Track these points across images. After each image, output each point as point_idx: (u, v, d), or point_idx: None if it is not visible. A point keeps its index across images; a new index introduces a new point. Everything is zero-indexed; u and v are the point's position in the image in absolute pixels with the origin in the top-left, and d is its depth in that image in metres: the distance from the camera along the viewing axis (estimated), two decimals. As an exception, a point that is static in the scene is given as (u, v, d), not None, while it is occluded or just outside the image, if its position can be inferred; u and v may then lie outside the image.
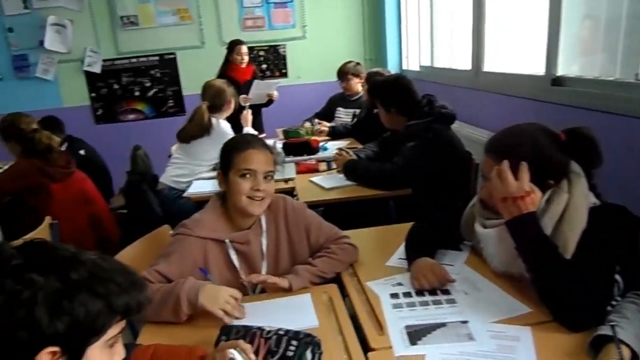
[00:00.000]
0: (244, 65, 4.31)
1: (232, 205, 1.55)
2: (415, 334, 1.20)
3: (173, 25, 4.81)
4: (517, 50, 2.98)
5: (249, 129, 3.45)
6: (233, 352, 0.99)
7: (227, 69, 4.26)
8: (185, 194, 2.74)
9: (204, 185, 2.82)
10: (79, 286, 0.75)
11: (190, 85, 4.98)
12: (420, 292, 1.40)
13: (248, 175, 1.51)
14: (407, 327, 1.24)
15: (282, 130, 3.89)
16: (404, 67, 4.85)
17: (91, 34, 4.74)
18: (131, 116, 5.06)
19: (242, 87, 4.06)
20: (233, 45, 4.28)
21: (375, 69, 3.91)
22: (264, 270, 1.58)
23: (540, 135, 1.32)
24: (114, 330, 0.81)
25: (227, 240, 1.54)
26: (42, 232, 2.26)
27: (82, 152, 3.73)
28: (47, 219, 2.36)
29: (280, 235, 1.63)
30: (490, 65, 3.18)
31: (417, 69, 4.58)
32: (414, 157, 2.37)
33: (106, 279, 0.78)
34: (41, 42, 4.66)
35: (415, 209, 2.36)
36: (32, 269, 0.73)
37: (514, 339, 1.16)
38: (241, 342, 1.05)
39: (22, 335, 0.70)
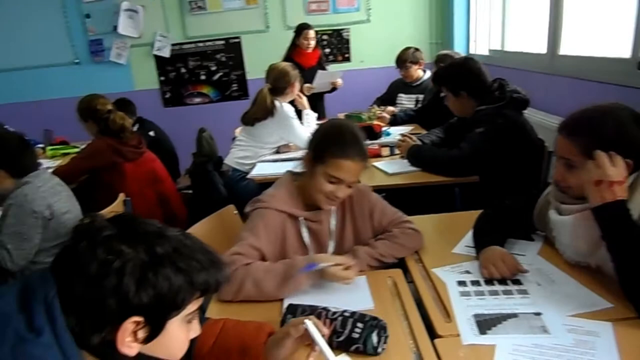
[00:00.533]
0: (310, 50, 4.26)
1: (307, 190, 1.55)
2: (485, 323, 1.16)
3: (239, 10, 4.87)
4: (597, 32, 2.79)
5: (308, 112, 3.44)
6: (307, 323, 1.00)
7: (293, 53, 4.23)
8: (249, 176, 2.78)
9: (267, 168, 2.85)
10: (163, 260, 0.77)
11: (254, 69, 5.05)
12: (489, 281, 1.35)
13: (334, 181, 1.48)
14: (476, 315, 1.20)
15: (344, 115, 3.86)
16: (472, 51, 4.68)
17: (161, 19, 4.89)
18: (197, 99, 5.20)
19: (307, 73, 4.03)
20: (300, 29, 4.23)
21: (444, 52, 3.80)
22: (330, 250, 1.59)
23: (625, 116, 1.24)
24: (192, 306, 0.83)
25: (300, 218, 1.55)
26: (116, 207, 2.37)
27: (151, 133, 3.88)
28: (121, 196, 2.47)
29: (346, 216, 1.62)
30: (567, 48, 3.00)
31: (485, 53, 4.40)
32: (483, 143, 2.28)
33: (188, 256, 0.80)
34: (115, 28, 4.86)
35: (482, 197, 2.28)
36: (122, 240, 0.76)
37: (594, 335, 1.09)
38: (312, 317, 1.05)
39: (111, 303, 0.73)
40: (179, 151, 4.17)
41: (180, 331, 0.83)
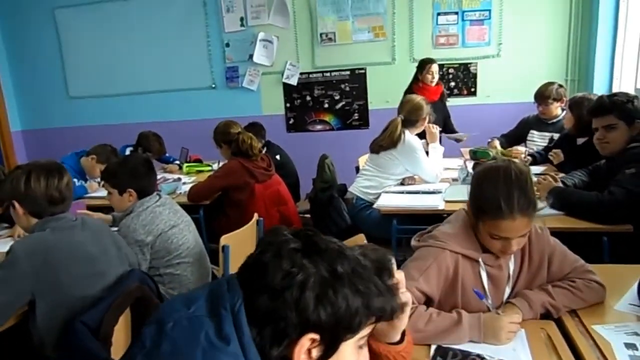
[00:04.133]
0: (433, 85, 4.20)
1: (480, 239, 1.45)
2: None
3: (367, 42, 4.98)
4: None
5: (435, 146, 3.38)
6: None
7: (416, 87, 4.17)
8: (374, 206, 2.77)
9: (392, 199, 2.83)
10: (343, 280, 0.76)
11: (377, 99, 5.11)
12: (666, 349, 1.19)
13: (499, 238, 1.37)
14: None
15: (469, 150, 3.73)
16: (615, 89, 4.32)
17: (293, 49, 5.15)
18: (318, 126, 5.35)
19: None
20: (424, 64, 4.19)
21: (580, 94, 3.51)
22: (506, 295, 1.48)
23: None
24: (365, 331, 0.81)
25: (480, 260, 1.45)
26: (250, 226, 2.47)
27: (277, 157, 4.05)
28: (255, 215, 2.57)
29: (525, 260, 1.49)
30: None
31: (631, 91, 4.03)
32: (638, 186, 2.07)
33: (367, 279, 0.79)
34: (250, 56, 5.20)
35: (637, 249, 2.06)
36: (305, 254, 0.78)
37: None
38: None
39: (291, 316, 0.74)
40: (299, 175, 4.30)
41: (352, 355, 0.81)
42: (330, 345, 0.77)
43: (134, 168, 2.26)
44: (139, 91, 5.63)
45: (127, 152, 4.36)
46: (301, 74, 5.21)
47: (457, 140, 4.14)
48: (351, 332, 0.78)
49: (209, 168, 4.30)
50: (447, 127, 4.31)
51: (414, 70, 4.33)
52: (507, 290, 1.47)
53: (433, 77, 4.17)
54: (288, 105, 5.36)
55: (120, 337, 1.62)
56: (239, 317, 0.76)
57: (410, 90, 4.16)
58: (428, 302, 1.40)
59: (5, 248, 2.44)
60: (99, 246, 1.78)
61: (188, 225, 2.37)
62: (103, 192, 3.53)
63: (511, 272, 1.47)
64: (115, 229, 2.26)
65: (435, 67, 4.17)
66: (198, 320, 0.77)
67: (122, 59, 5.60)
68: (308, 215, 3.76)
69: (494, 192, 1.34)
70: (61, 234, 1.69)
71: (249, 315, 0.76)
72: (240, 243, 2.33)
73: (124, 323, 1.65)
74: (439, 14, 4.83)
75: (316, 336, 0.76)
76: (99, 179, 3.80)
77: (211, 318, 0.77)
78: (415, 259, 1.45)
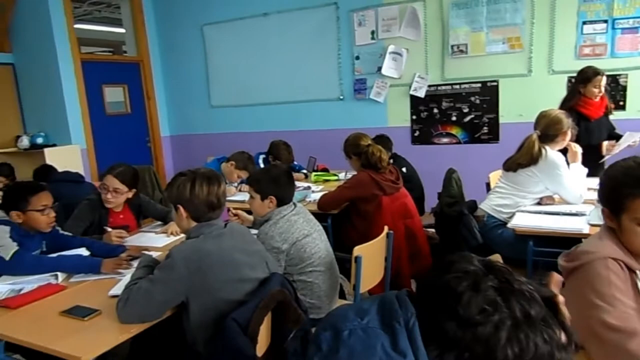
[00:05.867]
0: (597, 99, 3.69)
1: (629, 246, 1.36)
2: None
3: (501, 54, 4.79)
4: None
5: (577, 166, 3.14)
6: None
7: (577, 104, 3.66)
8: (509, 225, 2.66)
9: (529, 219, 2.69)
10: (535, 326, 0.76)
11: (509, 113, 4.89)
12: None
13: None
14: None
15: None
16: None
17: (422, 61, 5.13)
18: (445, 139, 5.26)
19: (594, 125, 3.60)
20: (589, 76, 3.63)
21: None
22: None
23: None
24: None
25: (638, 271, 1.35)
26: (381, 238, 2.51)
27: (404, 169, 4.05)
28: (386, 228, 2.61)
29: None
30: None
31: None
32: None
33: (553, 327, 0.78)
34: (379, 69, 5.28)
35: None
36: (501, 293, 0.79)
37: None
38: None
39: (478, 350, 0.76)
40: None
41: None
42: None
43: (277, 177, 2.40)
44: (272, 101, 6.00)
45: (260, 159, 4.65)
46: (429, 86, 5.17)
47: (630, 146, 3.67)
48: None
49: (336, 178, 4.43)
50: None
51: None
52: None
53: (600, 91, 3.67)
54: (414, 117, 5.34)
55: (262, 336, 1.74)
56: (414, 333, 0.80)
57: (568, 106, 3.64)
58: None
59: (161, 243, 2.78)
60: (244, 253, 1.92)
61: (320, 235, 2.46)
62: (239, 196, 3.85)
63: None
64: (255, 231, 2.43)
65: (603, 80, 3.65)
66: (373, 331, 0.82)
67: (259, 71, 6.01)
68: (432, 230, 3.72)
69: (627, 168, 1.32)
70: (213, 241, 1.86)
71: (428, 334, 0.80)
72: (370, 254, 2.37)
73: (265, 323, 1.77)
74: (584, 22, 4.50)
75: None
76: (235, 184, 4.12)
77: (385, 331, 0.82)
78: (594, 283, 1.32)
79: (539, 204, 2.92)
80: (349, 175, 4.24)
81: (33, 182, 2.77)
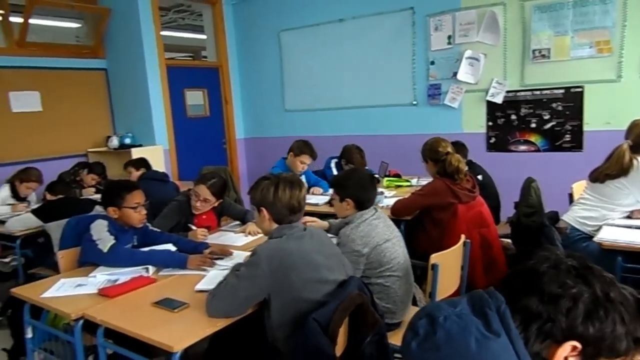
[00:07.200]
0: None
1: None
2: None
3: (587, 58, 4.56)
4: None
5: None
6: None
7: None
8: (595, 239, 2.54)
9: (617, 233, 2.56)
10: (615, 305, 0.85)
11: (595, 121, 4.64)
12: None
13: None
14: None
15: None
16: None
17: (500, 67, 4.98)
18: (522, 147, 5.08)
19: None
20: None
21: None
22: None
23: None
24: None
25: None
26: (458, 247, 2.48)
27: (479, 177, 3.96)
28: (462, 237, 2.58)
29: None
30: None
31: None
32: None
33: (634, 315, 0.85)
34: (454, 74, 5.19)
35: None
36: (580, 273, 0.88)
37: None
38: None
39: (561, 320, 0.85)
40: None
41: None
42: (588, 358, 0.85)
43: (360, 180, 2.44)
44: (345, 106, 6.06)
45: (333, 163, 4.72)
46: (507, 92, 5.01)
47: None
48: (612, 355, 0.84)
49: (408, 183, 4.40)
50: None
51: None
52: None
53: None
54: (490, 123, 5.20)
55: (340, 337, 1.78)
56: (506, 316, 0.87)
57: None
58: None
59: (240, 242, 2.90)
60: (323, 255, 1.98)
61: (399, 240, 2.46)
62: (313, 199, 3.92)
63: None
64: (331, 235, 2.48)
65: None
66: (467, 316, 0.90)
67: (332, 75, 6.10)
68: (508, 240, 3.61)
69: None
70: (295, 242, 1.93)
71: (514, 315, 0.87)
72: (446, 262, 2.35)
73: (343, 325, 1.81)
74: (683, 25, 4.20)
75: (579, 345, 0.84)
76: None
77: (477, 316, 0.89)
78: None
79: (628, 217, 2.77)
80: (422, 181, 4.21)
81: (128, 181, 2.99)
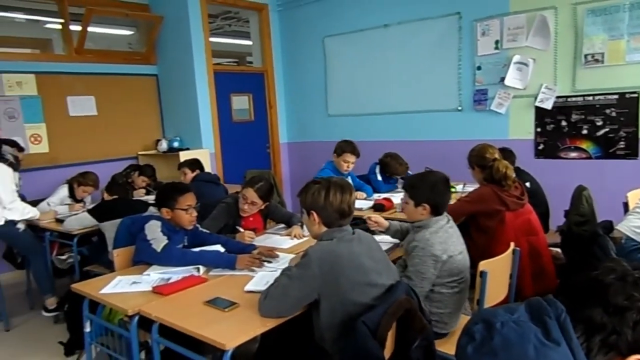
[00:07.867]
0: None
1: None
2: None
3: (643, 63, 4.40)
4: None
5: None
6: None
7: None
8: (651, 250, 2.46)
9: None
10: None
11: (651, 127, 4.46)
12: None
13: None
14: None
15: None
16: None
17: (550, 72, 4.86)
18: (573, 154, 4.92)
19: None
20: None
21: None
22: None
23: None
24: None
25: None
26: (507, 255, 2.44)
27: (527, 184, 3.87)
28: (512, 245, 2.53)
29: None
30: None
31: None
32: None
33: None
34: (502, 79, 5.09)
35: None
36: None
37: None
38: None
39: (627, 333, 0.84)
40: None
41: None
42: None
43: (434, 183, 2.37)
44: (389, 111, 6.04)
45: (377, 169, 4.71)
46: (557, 97, 4.88)
47: None
48: None
49: (454, 190, 4.34)
50: None
51: None
52: None
53: None
54: (539, 129, 5.07)
55: (388, 341, 1.79)
56: (566, 325, 0.85)
57: None
58: None
59: (286, 245, 2.95)
60: (372, 259, 1.99)
61: (467, 253, 2.42)
62: (358, 204, 3.92)
63: None
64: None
65: None
66: (525, 323, 0.88)
67: (376, 81, 6.10)
68: (558, 249, 3.52)
69: None
70: (344, 244, 1.96)
71: (574, 322, 0.86)
72: (495, 270, 2.32)
73: (391, 329, 1.82)
74: None
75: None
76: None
77: (536, 324, 0.87)
78: None
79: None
80: (467, 188, 4.15)
81: (181, 184, 3.10)
